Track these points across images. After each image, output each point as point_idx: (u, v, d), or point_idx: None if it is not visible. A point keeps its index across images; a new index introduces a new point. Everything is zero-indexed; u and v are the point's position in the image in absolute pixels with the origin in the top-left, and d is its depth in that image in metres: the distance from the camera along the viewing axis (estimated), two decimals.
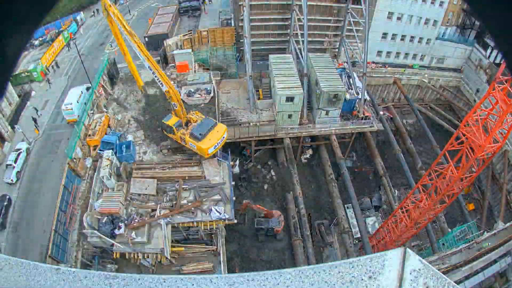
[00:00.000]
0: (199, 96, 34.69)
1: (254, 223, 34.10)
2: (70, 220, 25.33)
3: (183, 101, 33.90)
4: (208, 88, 35.14)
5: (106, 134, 30.73)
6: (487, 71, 43.35)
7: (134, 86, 36.65)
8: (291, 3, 37.85)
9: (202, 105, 34.55)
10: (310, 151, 42.06)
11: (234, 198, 27.68)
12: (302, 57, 35.20)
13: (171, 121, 28.78)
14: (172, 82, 33.56)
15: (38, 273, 2.54)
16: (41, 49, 43.38)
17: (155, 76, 25.77)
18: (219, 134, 28.38)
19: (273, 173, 39.89)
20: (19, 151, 29.75)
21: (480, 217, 39.00)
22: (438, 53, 47.12)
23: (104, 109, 33.32)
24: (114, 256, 23.91)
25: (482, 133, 19.94)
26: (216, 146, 27.96)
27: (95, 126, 30.75)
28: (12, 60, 1.19)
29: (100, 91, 33.84)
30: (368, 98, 38.83)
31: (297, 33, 36.56)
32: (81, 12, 51.51)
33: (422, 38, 45.66)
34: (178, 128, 28.52)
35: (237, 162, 38.07)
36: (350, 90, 37.11)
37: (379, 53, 46.82)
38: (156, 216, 24.89)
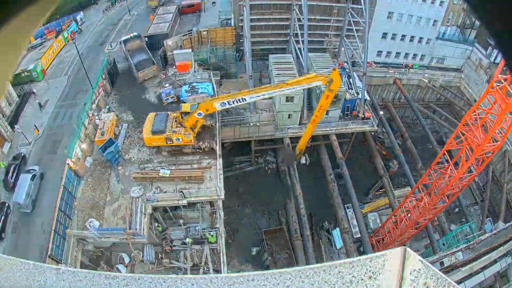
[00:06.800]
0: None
1: None
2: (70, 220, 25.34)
3: (183, 101, 33.97)
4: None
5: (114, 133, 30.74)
6: (487, 70, 43.34)
7: (133, 85, 36.74)
8: (291, 3, 37.82)
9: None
10: (308, 159, 42.08)
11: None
12: (302, 57, 35.17)
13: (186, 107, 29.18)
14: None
15: (38, 273, 2.54)
16: (41, 49, 43.43)
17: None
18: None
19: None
20: None
21: (480, 217, 39.01)
22: (438, 53, 47.08)
23: (105, 109, 33.30)
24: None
25: (481, 132, 19.94)
26: None
27: (103, 126, 30.60)
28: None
29: (99, 91, 33.82)
30: (368, 98, 38.83)
31: (297, 33, 36.52)
32: (81, 12, 51.50)
33: (422, 38, 45.62)
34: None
35: None
36: (350, 90, 37.11)
37: (379, 53, 46.80)
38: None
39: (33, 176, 28.03)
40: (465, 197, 39.99)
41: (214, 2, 47.05)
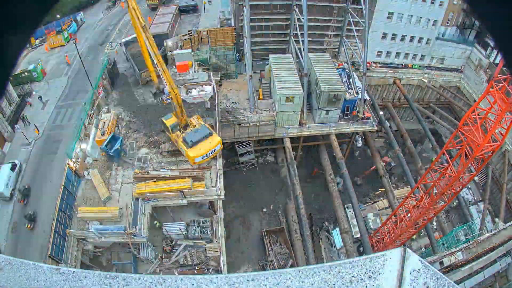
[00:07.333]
0: (199, 96, 34.65)
1: None
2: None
3: (183, 101, 33.93)
4: (208, 88, 35.10)
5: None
6: (487, 71, 43.36)
7: (133, 85, 36.71)
8: (291, 3, 37.83)
9: (201, 104, 34.51)
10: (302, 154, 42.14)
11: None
12: (302, 57, 35.18)
13: (170, 121, 28.81)
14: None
15: (38, 273, 2.54)
16: (41, 49, 43.46)
17: (161, 75, 26.42)
18: (211, 145, 27.92)
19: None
20: None
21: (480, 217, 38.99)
22: (438, 53, 47.11)
23: (105, 109, 33.29)
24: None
25: (481, 132, 19.92)
26: (204, 156, 27.68)
27: (103, 126, 30.54)
28: (12, 60, 1.20)
29: (100, 91, 33.83)
30: (368, 98, 38.84)
31: (297, 33, 36.52)
32: (81, 12, 51.50)
33: (422, 38, 45.65)
34: (173, 129, 28.55)
35: None
36: (350, 90, 37.12)
37: (379, 53, 46.83)
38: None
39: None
40: (465, 197, 40.06)
41: (205, 9, 47.10)
